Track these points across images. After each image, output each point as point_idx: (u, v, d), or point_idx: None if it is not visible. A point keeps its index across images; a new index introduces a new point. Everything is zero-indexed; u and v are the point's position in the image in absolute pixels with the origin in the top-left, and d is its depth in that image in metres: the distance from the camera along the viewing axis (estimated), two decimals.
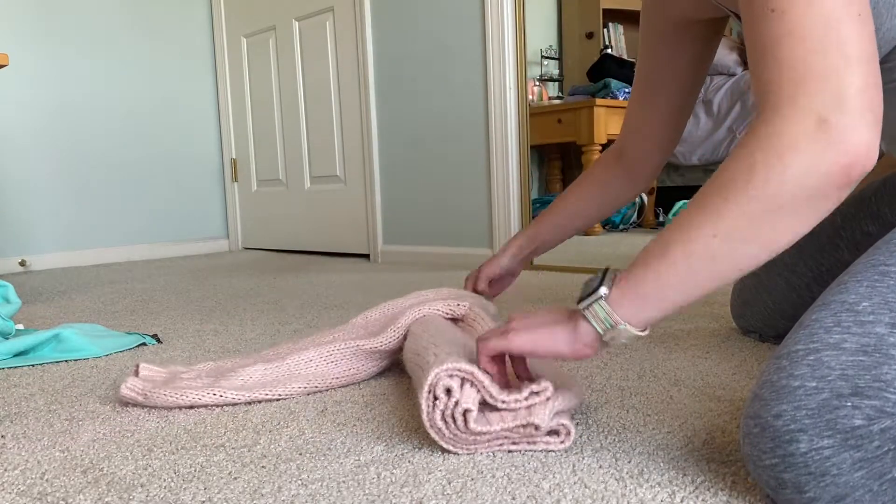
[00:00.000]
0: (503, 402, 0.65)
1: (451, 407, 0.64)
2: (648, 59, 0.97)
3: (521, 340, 0.63)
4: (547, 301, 1.54)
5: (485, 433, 0.64)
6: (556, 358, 0.63)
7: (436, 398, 0.65)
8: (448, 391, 0.64)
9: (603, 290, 0.59)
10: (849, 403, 0.48)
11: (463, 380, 0.65)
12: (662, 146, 1.02)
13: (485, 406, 0.67)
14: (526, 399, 0.65)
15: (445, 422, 0.65)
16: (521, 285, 1.79)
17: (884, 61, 0.69)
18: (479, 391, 0.65)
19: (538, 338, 0.62)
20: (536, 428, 0.64)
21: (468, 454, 0.66)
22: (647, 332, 0.60)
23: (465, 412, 0.64)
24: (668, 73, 0.95)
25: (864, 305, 0.53)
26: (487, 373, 0.66)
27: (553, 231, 1.16)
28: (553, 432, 0.66)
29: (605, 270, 0.61)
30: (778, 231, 0.52)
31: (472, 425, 0.64)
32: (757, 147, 0.51)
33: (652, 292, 0.57)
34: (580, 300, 0.61)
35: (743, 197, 0.51)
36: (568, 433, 0.66)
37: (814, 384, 0.49)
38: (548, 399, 0.65)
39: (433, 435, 0.65)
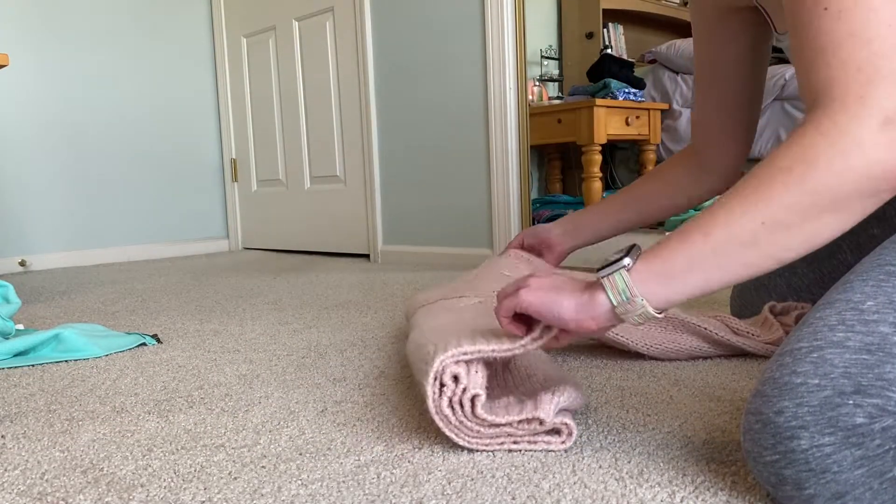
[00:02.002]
0: (510, 348, 0.64)
1: (459, 393, 0.64)
2: (704, 50, 0.94)
3: (530, 298, 0.61)
4: None
5: (490, 423, 0.65)
6: (558, 324, 0.61)
7: (442, 385, 0.65)
8: (455, 378, 0.65)
9: (627, 261, 0.58)
10: (851, 401, 0.48)
11: (469, 364, 0.65)
12: (738, 137, 0.98)
13: (492, 397, 0.67)
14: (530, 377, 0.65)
15: (453, 408, 0.65)
16: None
17: None
18: (484, 373, 0.65)
19: (546, 299, 0.60)
20: (541, 423, 0.64)
21: (468, 454, 0.66)
22: (662, 315, 0.58)
23: (474, 398, 0.64)
24: (726, 62, 0.92)
25: (869, 304, 0.53)
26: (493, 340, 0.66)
27: (602, 219, 1.07)
28: (555, 431, 0.66)
29: (632, 246, 0.60)
30: (823, 226, 0.52)
31: (478, 411, 0.64)
32: (820, 140, 0.51)
33: (680, 272, 0.56)
34: (600, 269, 0.59)
35: (798, 188, 0.51)
36: (570, 433, 0.66)
37: (816, 381, 0.49)
38: (554, 392, 0.65)
39: (439, 422, 0.65)
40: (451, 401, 0.65)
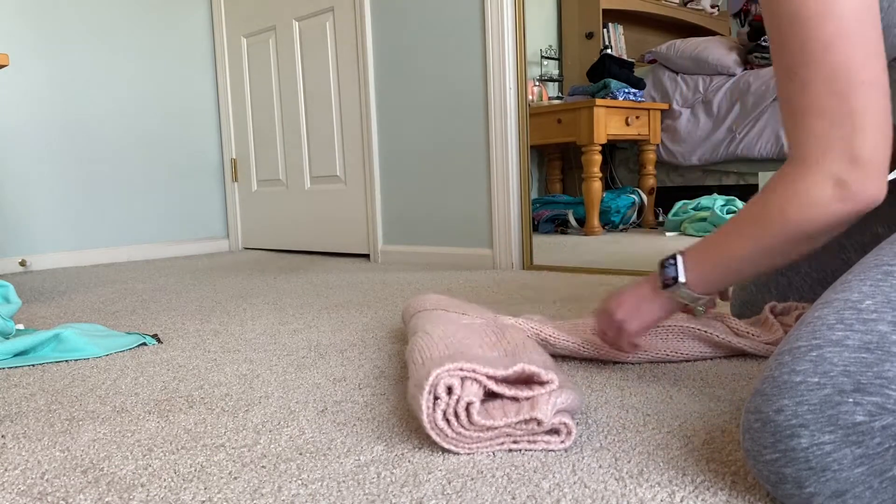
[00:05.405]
0: (508, 394, 0.66)
1: (453, 404, 0.65)
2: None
3: (636, 327, 0.82)
4: (547, 302, 1.54)
5: (488, 427, 0.65)
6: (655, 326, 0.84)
7: (436, 398, 0.65)
8: (449, 389, 0.65)
9: (682, 279, 0.76)
10: (850, 400, 0.48)
11: (463, 378, 0.66)
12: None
13: (486, 399, 0.67)
14: (531, 390, 0.66)
15: (447, 420, 0.65)
16: (521, 285, 1.79)
17: None
18: (480, 386, 0.66)
19: (643, 317, 0.82)
20: (539, 423, 0.64)
21: (468, 454, 0.66)
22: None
23: (468, 405, 0.64)
24: None
25: (868, 304, 0.53)
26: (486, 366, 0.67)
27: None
28: (554, 431, 0.66)
29: (674, 255, 0.78)
30: (799, 251, 0.68)
31: (475, 418, 0.64)
32: (788, 199, 0.65)
33: (712, 277, 0.75)
34: (665, 286, 0.78)
35: (776, 234, 0.67)
36: (569, 433, 0.66)
37: (816, 380, 0.49)
38: (551, 393, 0.65)
39: (434, 436, 0.65)
40: (444, 413, 0.65)
